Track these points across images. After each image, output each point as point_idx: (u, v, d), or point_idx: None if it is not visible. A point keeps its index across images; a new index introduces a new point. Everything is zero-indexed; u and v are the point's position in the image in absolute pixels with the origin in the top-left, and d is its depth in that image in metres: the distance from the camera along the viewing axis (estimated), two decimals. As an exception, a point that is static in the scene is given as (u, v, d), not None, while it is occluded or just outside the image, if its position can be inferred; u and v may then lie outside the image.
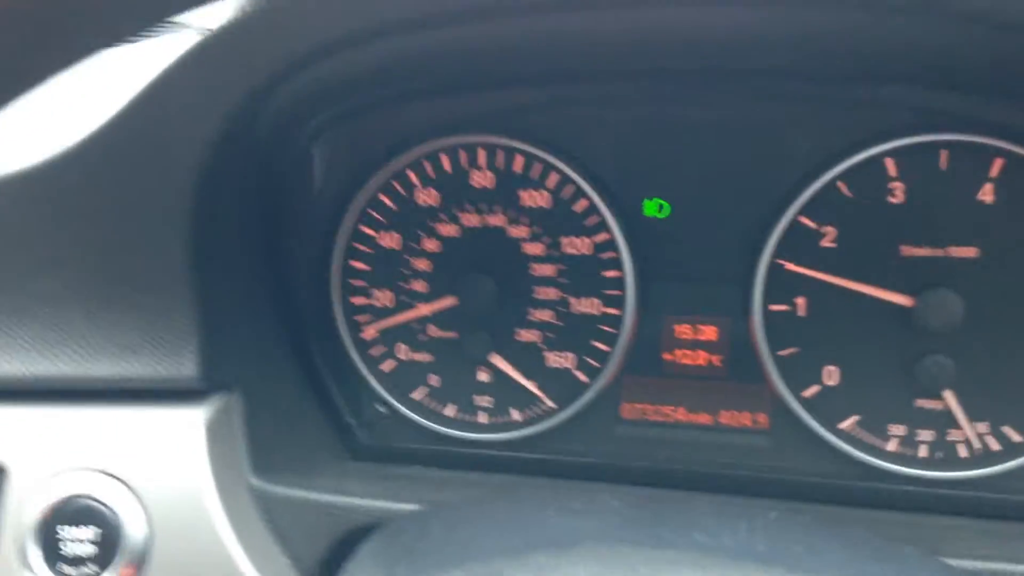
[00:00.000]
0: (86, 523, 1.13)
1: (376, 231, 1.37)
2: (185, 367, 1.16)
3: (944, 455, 1.21)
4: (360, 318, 1.39)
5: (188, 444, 1.15)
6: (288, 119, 1.21)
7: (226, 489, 1.16)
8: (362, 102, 1.29)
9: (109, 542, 1.13)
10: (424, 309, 1.36)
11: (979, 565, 0.98)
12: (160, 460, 1.15)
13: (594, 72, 1.26)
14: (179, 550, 1.14)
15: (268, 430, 1.26)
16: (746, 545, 0.70)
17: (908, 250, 1.20)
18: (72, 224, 1.11)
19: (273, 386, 1.30)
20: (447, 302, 1.34)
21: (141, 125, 1.04)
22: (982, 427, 1.20)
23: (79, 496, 1.13)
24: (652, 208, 1.30)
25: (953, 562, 0.97)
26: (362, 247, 1.38)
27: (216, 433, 1.18)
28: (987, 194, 1.17)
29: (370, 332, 1.39)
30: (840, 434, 1.24)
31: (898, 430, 1.23)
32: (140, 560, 1.13)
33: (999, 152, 1.16)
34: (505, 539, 0.77)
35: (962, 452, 1.21)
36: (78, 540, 1.13)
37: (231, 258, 1.23)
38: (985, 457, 1.20)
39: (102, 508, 1.13)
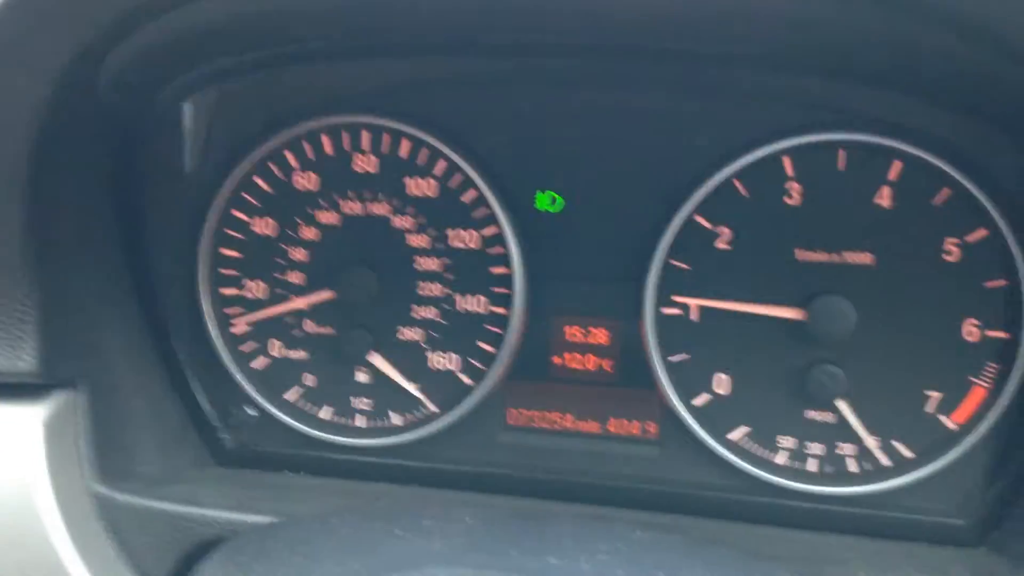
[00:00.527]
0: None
1: (249, 216, 1.28)
2: (22, 360, 1.05)
3: (834, 469, 1.17)
4: (230, 311, 1.29)
5: (22, 445, 1.05)
6: (139, 83, 1.10)
7: (65, 496, 1.06)
8: (227, 66, 1.18)
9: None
10: (299, 302, 1.27)
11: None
12: (-11, 462, 1.04)
13: (487, 47, 1.19)
14: (8, 564, 1.03)
15: (118, 432, 1.16)
16: (603, 570, 0.63)
17: (803, 254, 1.16)
18: None
19: (126, 383, 1.20)
20: (324, 295, 1.26)
21: None
22: (872, 441, 1.15)
23: None
24: (544, 201, 1.23)
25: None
26: (233, 233, 1.28)
27: (55, 434, 1.07)
28: (884, 198, 1.13)
29: (240, 326, 1.29)
30: (729, 445, 1.20)
31: (788, 442, 1.18)
32: (-41, 579, 1.02)
33: (898, 154, 1.12)
34: (345, 562, 0.69)
35: (852, 467, 1.17)
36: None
37: (80, 239, 1.12)
38: (875, 472, 1.16)
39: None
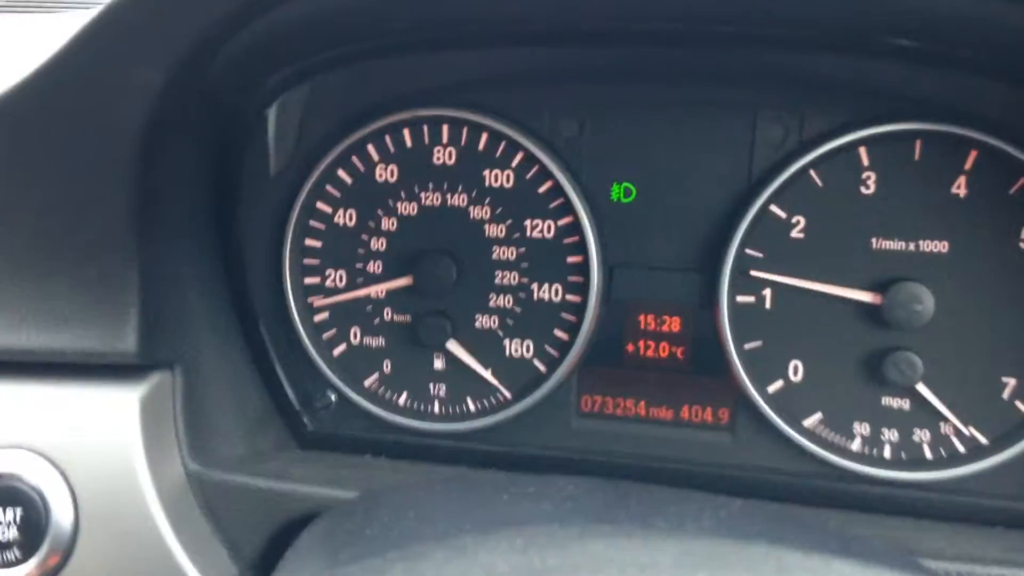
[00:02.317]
0: (10, 505, 1.06)
1: (332, 207, 1.31)
2: (123, 341, 1.09)
3: (909, 456, 1.18)
4: (313, 300, 1.33)
5: (121, 424, 1.09)
6: (242, 74, 1.14)
7: (161, 473, 1.10)
8: (319, 60, 1.23)
9: (34, 527, 1.06)
10: (379, 287, 1.30)
11: (953, 567, 0.95)
12: (91, 440, 1.08)
13: (564, 36, 1.21)
14: (108, 537, 1.08)
15: (208, 413, 1.20)
16: (709, 533, 0.66)
17: (879, 243, 1.17)
18: (3, 175, 1.04)
19: (217, 366, 1.23)
20: (402, 281, 1.29)
21: (82, 68, 0.97)
22: (947, 428, 1.16)
23: (6, 475, 1.06)
24: (619, 192, 1.26)
25: (929, 563, 0.94)
26: (317, 224, 1.32)
27: (152, 413, 1.11)
28: (960, 187, 1.14)
29: (322, 314, 1.33)
30: (804, 432, 1.21)
31: (863, 429, 1.20)
32: (67, 548, 1.07)
33: (974, 143, 1.13)
34: (457, 521, 0.72)
35: (927, 453, 1.18)
36: (1, 523, 1.06)
37: (178, 223, 1.16)
38: (950, 459, 1.17)
39: (28, 490, 1.06)
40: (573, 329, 1.26)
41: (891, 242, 1.17)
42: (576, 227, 1.25)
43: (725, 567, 0.60)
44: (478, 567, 0.60)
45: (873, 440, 1.19)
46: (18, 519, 1.06)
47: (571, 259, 1.26)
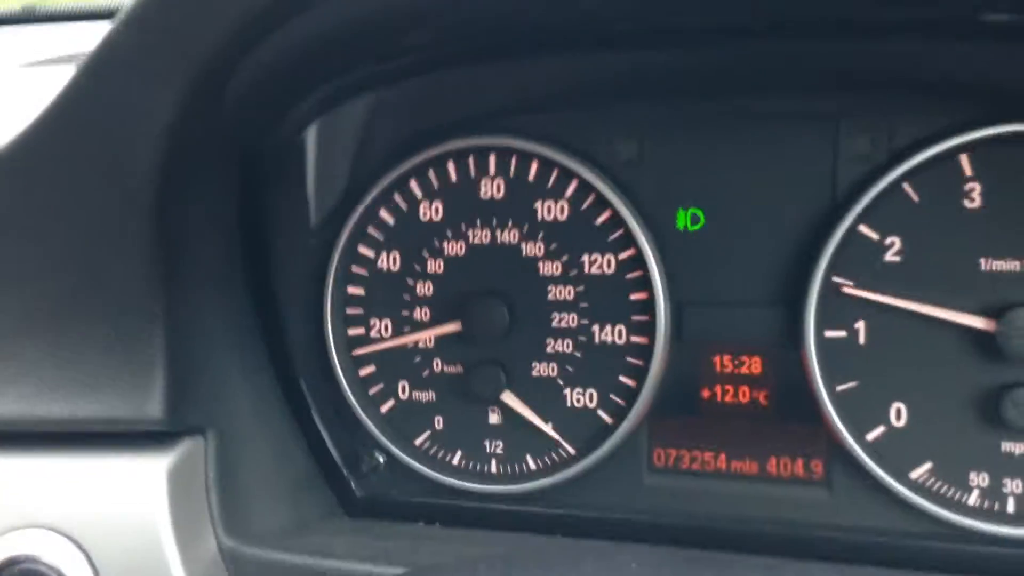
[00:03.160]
0: (31, 591, 0.99)
1: (375, 252, 1.22)
2: (148, 406, 1.02)
3: (1039, 509, 1.02)
4: (357, 352, 1.23)
5: (148, 497, 1.01)
6: (259, 104, 1.06)
7: (192, 550, 1.02)
8: (342, 85, 1.14)
9: (54, 613, 0.98)
10: (425, 334, 1.20)
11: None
12: (115, 516, 1.02)
13: (613, 41, 1.10)
14: (137, 621, 0.99)
15: (245, 481, 1.11)
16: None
17: (988, 263, 1.03)
18: (12, 231, 0.97)
19: (254, 430, 1.15)
20: (451, 327, 1.18)
21: (85, 109, 0.90)
22: (1086, 474, 1.00)
23: (23, 559, 0.99)
24: (686, 219, 1.13)
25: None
26: (359, 270, 1.22)
27: (181, 484, 1.04)
28: (1081, 194, 0.99)
29: (368, 367, 1.23)
30: (911, 485, 1.06)
31: (981, 479, 1.04)
32: (90, 636, 0.98)
33: (1098, 144, 0.98)
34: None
35: (1060, 506, 1.02)
36: (22, 612, 0.98)
37: (206, 276, 1.08)
38: (1089, 512, 1.01)
39: (47, 572, 0.99)
40: (640, 375, 1.14)
41: (1003, 262, 1.02)
42: (639, 260, 1.13)
43: None
44: None
45: (993, 492, 1.04)
46: (39, 606, 0.98)
47: (635, 296, 1.14)
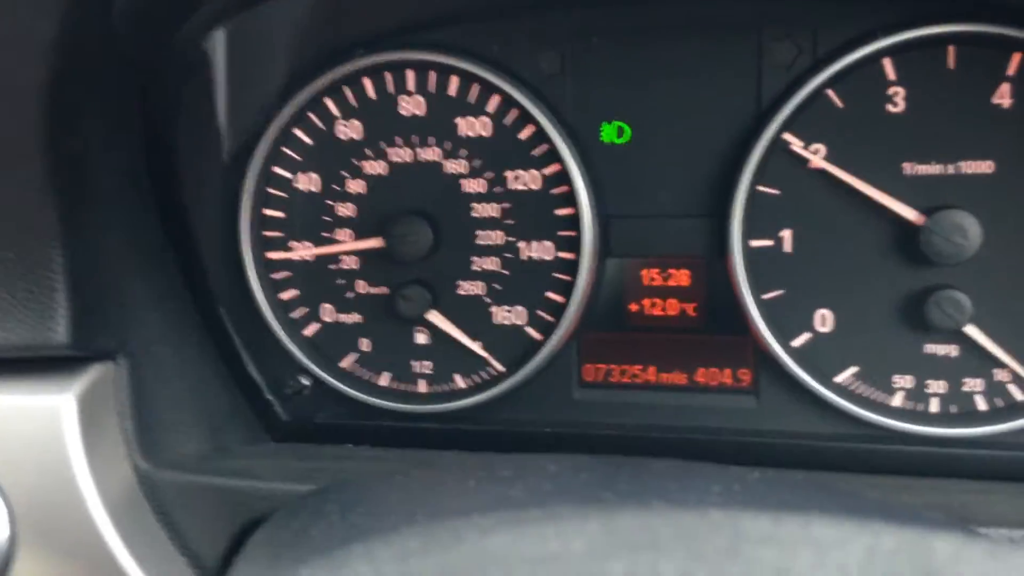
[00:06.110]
0: (-64, 524, 0.94)
1: (292, 172, 1.18)
2: (52, 331, 0.97)
3: (959, 409, 1.03)
4: (277, 276, 1.20)
5: (57, 424, 0.97)
6: (155, 13, 1.00)
7: (105, 477, 0.98)
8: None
9: (-38, 547, 0.94)
10: (347, 246, 1.16)
11: (1017, 534, 0.80)
12: (23, 445, 0.97)
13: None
14: (49, 552, 0.97)
15: (162, 407, 1.07)
16: (719, 512, 0.51)
17: (912, 168, 1.02)
18: None
19: (172, 356, 1.11)
20: (373, 243, 1.15)
21: None
22: (1003, 374, 1.01)
23: (-73, 490, 0.95)
24: (611, 133, 1.11)
25: (986, 530, 0.79)
26: (276, 191, 1.18)
27: (93, 410, 0.99)
28: (1004, 96, 1.00)
29: (290, 291, 1.19)
30: (836, 388, 1.07)
31: (905, 381, 1.05)
32: (1, 566, 0.95)
33: (1017, 44, 0.98)
34: (413, 514, 0.58)
35: (980, 404, 1.03)
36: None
37: (109, 194, 1.03)
38: (1007, 410, 1.02)
39: (-46, 505, 0.94)
40: (568, 290, 1.12)
41: (927, 166, 1.02)
42: (564, 175, 1.11)
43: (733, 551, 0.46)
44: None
45: (917, 394, 1.05)
46: (-54, 539, 0.94)
47: (561, 212, 1.12)
